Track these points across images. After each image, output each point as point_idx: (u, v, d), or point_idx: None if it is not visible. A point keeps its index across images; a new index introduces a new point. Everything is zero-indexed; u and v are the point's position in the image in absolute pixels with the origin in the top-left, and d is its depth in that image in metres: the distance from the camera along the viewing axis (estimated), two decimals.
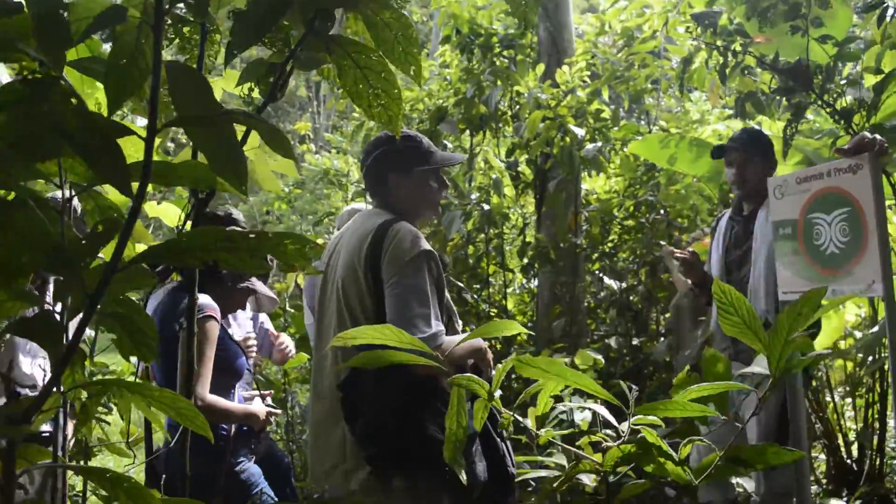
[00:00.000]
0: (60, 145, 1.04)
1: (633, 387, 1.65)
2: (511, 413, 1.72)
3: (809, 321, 1.26)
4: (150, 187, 2.74)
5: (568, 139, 5.40)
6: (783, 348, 1.28)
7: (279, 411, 3.25)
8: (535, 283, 6.32)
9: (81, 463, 3.00)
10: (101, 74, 1.19)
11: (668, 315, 5.51)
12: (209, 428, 1.32)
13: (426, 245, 2.52)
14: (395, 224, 2.53)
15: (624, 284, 5.76)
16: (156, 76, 1.03)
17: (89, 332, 2.82)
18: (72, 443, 2.24)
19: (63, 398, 1.22)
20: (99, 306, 1.47)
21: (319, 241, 6.41)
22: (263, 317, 3.78)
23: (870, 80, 3.81)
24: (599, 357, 4.71)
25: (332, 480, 2.56)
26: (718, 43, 4.01)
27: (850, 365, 5.02)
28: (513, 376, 5.38)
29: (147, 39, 1.13)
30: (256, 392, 3.20)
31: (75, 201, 1.33)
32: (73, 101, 0.99)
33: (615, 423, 1.67)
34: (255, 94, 1.71)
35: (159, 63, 1.03)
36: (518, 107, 6.02)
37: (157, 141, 2.31)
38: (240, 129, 1.52)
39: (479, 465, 2.40)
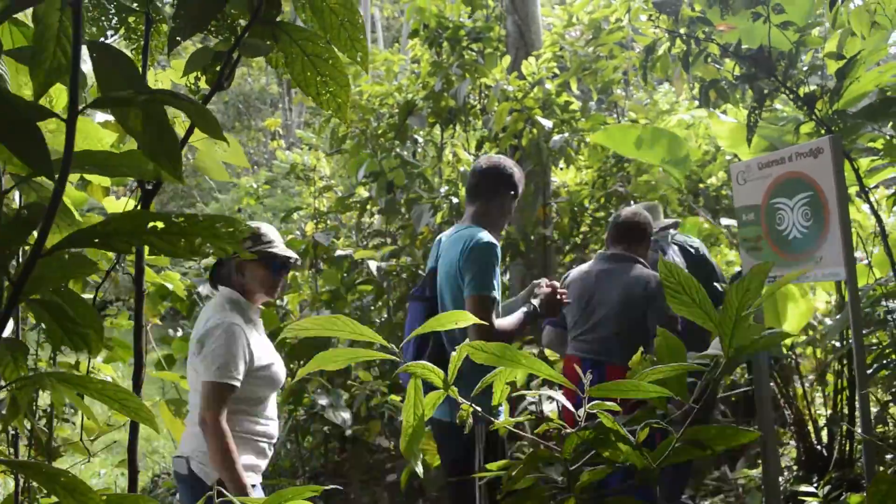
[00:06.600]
0: None
1: (590, 371, 1.62)
2: (470, 404, 1.69)
3: (759, 298, 1.24)
4: (108, 182, 2.68)
5: (535, 131, 5.38)
6: (734, 326, 1.25)
7: None
8: (506, 276, 6.29)
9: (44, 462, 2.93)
10: None
11: None
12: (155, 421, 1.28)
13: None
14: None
15: None
16: (76, 54, 0.99)
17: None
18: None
19: None
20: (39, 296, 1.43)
21: (290, 236, 6.35)
22: None
23: (833, 67, 3.81)
24: None
25: None
26: (682, 31, 4.00)
27: (819, 352, 5.05)
28: None
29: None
30: None
31: None
32: None
33: (574, 410, 1.65)
34: (203, 83, 1.68)
35: (79, 41, 0.99)
36: (486, 99, 5.99)
37: (114, 136, 2.26)
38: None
39: None
